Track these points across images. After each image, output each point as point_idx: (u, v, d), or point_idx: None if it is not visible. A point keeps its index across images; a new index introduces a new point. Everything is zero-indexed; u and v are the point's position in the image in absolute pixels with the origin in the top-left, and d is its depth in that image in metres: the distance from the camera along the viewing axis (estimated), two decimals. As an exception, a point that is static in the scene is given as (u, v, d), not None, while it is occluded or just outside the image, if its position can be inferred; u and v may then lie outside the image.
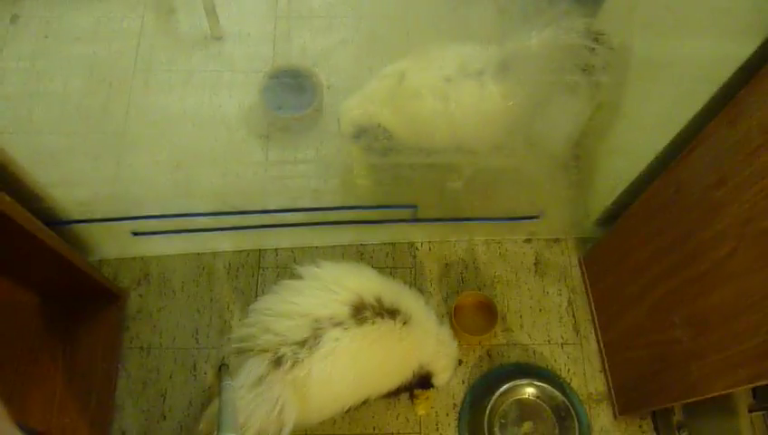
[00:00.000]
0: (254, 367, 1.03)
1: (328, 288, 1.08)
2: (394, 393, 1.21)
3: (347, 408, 1.13)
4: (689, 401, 1.06)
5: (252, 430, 1.02)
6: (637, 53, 1.14)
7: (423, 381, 1.24)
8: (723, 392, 0.97)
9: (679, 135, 1.08)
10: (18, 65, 1.66)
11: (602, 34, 1.19)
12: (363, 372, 1.09)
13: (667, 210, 1.09)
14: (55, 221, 1.27)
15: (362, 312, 1.07)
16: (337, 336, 1.03)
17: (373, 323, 1.07)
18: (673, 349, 1.10)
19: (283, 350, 1.02)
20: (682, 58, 1.04)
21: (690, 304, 1.04)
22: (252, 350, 1.06)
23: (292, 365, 1.01)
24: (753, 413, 1.06)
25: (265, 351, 1.04)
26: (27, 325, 1.35)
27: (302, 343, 1.02)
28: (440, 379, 1.25)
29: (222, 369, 1.35)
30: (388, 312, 1.09)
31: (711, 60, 0.96)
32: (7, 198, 1.00)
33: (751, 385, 0.90)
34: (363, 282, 1.12)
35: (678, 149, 1.07)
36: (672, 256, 1.09)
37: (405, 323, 1.11)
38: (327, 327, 1.04)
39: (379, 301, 1.09)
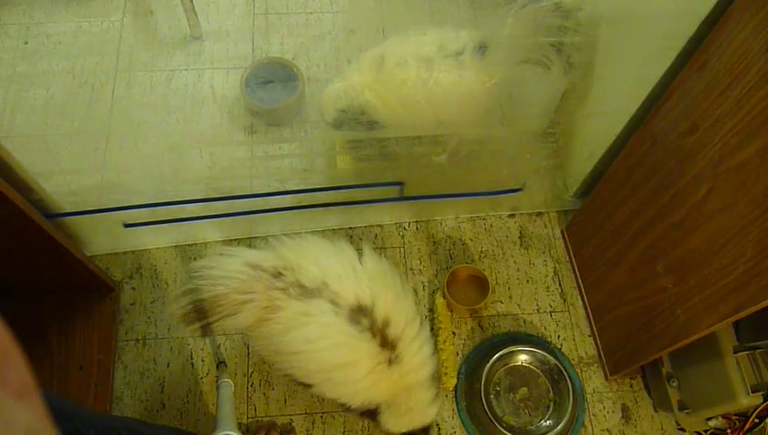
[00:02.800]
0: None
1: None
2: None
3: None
4: (678, 346, 1.10)
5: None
6: (606, 16, 1.20)
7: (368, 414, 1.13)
8: (709, 331, 1.02)
9: (652, 93, 1.14)
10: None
11: (571, 11, 1.26)
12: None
13: (644, 165, 1.15)
14: (46, 214, 1.27)
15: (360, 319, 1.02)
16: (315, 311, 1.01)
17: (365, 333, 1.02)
18: (658, 298, 1.15)
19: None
20: (650, 15, 1.10)
21: (672, 252, 1.09)
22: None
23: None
24: (738, 354, 1.11)
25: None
26: (21, 320, 1.35)
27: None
28: (391, 425, 1.12)
29: (219, 367, 1.37)
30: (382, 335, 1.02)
31: (678, 15, 1.02)
32: (7, 185, 1.01)
33: (734, 318, 0.94)
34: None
35: (650, 107, 1.13)
36: (651, 209, 1.14)
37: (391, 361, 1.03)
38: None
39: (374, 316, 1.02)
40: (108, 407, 1.33)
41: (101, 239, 1.44)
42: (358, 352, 1.01)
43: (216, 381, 1.35)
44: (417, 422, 1.14)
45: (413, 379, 1.08)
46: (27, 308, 1.36)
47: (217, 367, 1.38)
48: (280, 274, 1.02)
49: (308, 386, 1.11)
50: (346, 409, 1.12)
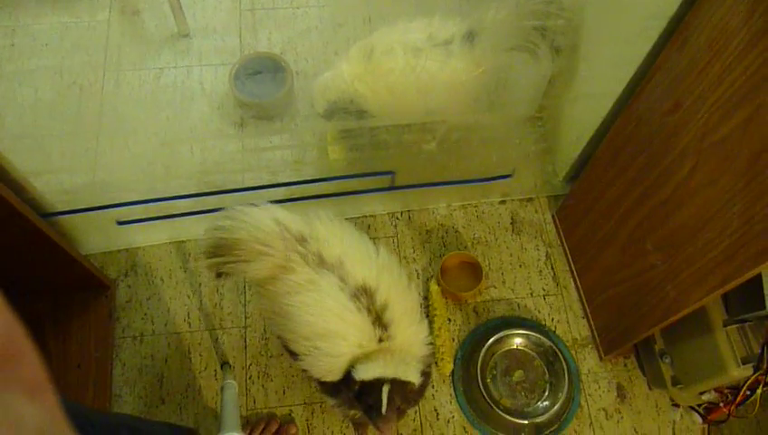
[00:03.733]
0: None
1: None
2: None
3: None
4: (669, 322, 1.12)
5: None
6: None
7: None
8: (698, 304, 1.04)
9: (636, 74, 1.16)
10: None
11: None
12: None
13: (630, 145, 1.16)
14: (39, 214, 1.28)
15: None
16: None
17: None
18: (649, 276, 1.16)
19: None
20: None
21: (660, 229, 1.10)
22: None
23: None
24: (728, 327, 1.13)
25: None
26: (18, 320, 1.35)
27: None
28: None
29: (224, 368, 1.37)
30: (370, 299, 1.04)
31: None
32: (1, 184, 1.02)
33: (722, 290, 0.96)
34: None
35: (635, 88, 1.15)
36: (638, 188, 1.15)
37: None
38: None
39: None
40: (107, 404, 1.34)
41: (95, 238, 1.45)
42: (349, 325, 1.03)
43: (223, 379, 1.36)
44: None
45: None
46: (23, 308, 1.35)
47: (222, 367, 1.38)
48: (304, 239, 1.06)
49: (295, 356, 1.11)
50: (335, 401, 1.12)
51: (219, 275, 1.12)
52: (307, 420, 1.36)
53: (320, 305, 1.03)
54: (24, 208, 1.09)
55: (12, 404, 0.26)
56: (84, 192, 1.34)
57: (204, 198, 1.39)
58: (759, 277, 1.03)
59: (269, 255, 1.04)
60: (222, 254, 1.07)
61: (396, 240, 1.54)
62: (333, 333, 1.03)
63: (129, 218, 1.40)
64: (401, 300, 1.08)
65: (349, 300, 1.03)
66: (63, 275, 1.32)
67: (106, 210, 1.35)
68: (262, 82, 1.64)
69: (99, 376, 1.35)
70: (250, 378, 1.39)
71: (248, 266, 1.06)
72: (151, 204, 1.37)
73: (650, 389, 1.39)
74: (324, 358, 1.05)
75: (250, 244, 1.04)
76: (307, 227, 1.08)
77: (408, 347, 1.06)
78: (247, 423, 1.34)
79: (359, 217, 1.55)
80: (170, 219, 1.42)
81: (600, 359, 1.42)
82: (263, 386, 1.39)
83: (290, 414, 1.36)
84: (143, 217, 1.40)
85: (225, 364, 1.38)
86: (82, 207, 1.33)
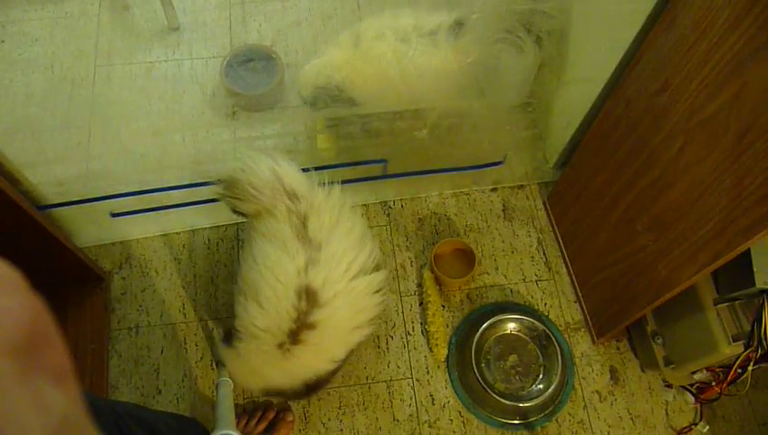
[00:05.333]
0: None
1: None
2: None
3: None
4: (660, 301, 1.14)
5: None
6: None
7: None
8: (689, 282, 1.05)
9: (625, 57, 1.17)
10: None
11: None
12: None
13: (619, 128, 1.18)
14: (33, 206, 1.28)
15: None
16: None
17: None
18: (639, 257, 1.18)
19: None
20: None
21: (650, 209, 1.12)
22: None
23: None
24: (718, 306, 1.15)
25: None
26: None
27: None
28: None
29: (219, 365, 1.37)
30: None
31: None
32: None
33: (713, 266, 0.97)
34: None
35: (624, 71, 1.16)
36: (628, 170, 1.17)
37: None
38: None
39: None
40: (104, 396, 1.34)
41: (89, 230, 1.45)
42: (274, 309, 1.05)
43: (219, 376, 1.36)
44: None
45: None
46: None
47: (216, 365, 1.38)
48: (296, 197, 1.10)
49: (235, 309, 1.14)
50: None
51: (234, 212, 1.19)
52: (304, 408, 1.36)
53: (268, 267, 1.06)
54: (19, 199, 1.09)
55: (41, 390, 0.26)
56: (77, 184, 1.34)
57: (197, 188, 1.39)
58: (748, 255, 1.05)
59: (257, 198, 1.11)
60: (225, 189, 1.16)
61: (389, 228, 1.55)
62: (258, 304, 1.07)
63: (123, 210, 1.40)
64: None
65: (294, 290, 1.04)
66: (58, 268, 1.32)
67: (100, 202, 1.35)
68: (253, 74, 1.65)
69: (95, 368, 1.35)
70: (246, 367, 1.39)
71: (241, 204, 1.14)
72: (145, 195, 1.37)
73: (643, 371, 1.41)
74: (263, 302, 1.08)
75: (242, 185, 1.11)
76: (305, 188, 1.13)
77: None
78: (244, 412, 1.35)
79: (351, 207, 1.55)
80: (164, 210, 1.43)
81: (593, 342, 1.44)
82: (259, 375, 1.39)
83: (286, 402, 1.37)
84: (137, 208, 1.41)
85: (219, 362, 1.38)
86: (76, 198, 1.33)
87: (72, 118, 1.60)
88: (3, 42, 1.72)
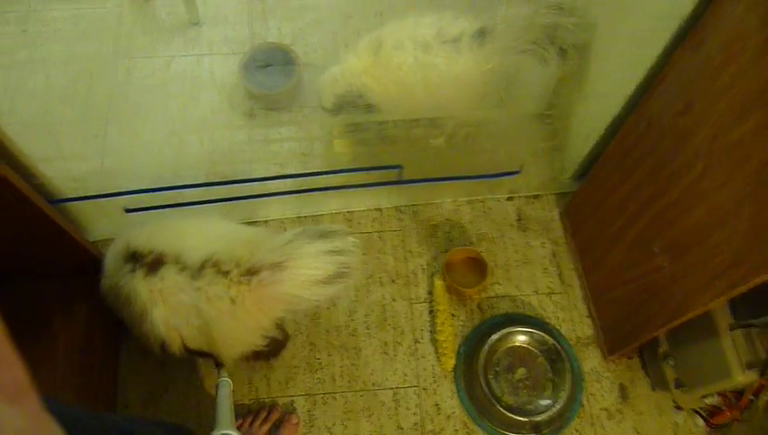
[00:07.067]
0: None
1: None
2: None
3: None
4: (674, 324, 1.12)
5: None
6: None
7: None
8: (704, 308, 1.03)
9: (648, 74, 1.14)
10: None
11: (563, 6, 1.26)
12: None
13: (640, 146, 1.15)
14: (48, 199, 1.28)
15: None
16: None
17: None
18: (655, 278, 1.16)
19: None
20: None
21: (668, 231, 1.10)
22: None
23: None
24: (734, 331, 1.12)
25: None
26: (25, 304, 1.36)
27: None
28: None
29: (218, 365, 1.37)
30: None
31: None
32: (9, 169, 1.02)
33: (729, 295, 0.95)
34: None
35: (647, 87, 1.14)
36: (647, 189, 1.15)
37: None
38: None
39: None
40: (112, 390, 1.35)
41: (103, 225, 1.46)
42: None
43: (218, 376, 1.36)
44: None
45: None
46: (31, 293, 1.38)
47: (216, 365, 1.38)
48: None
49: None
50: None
51: None
52: (309, 411, 1.36)
53: None
54: (32, 194, 1.09)
55: None
56: (93, 179, 1.35)
57: (211, 187, 1.39)
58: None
59: None
60: None
61: (401, 234, 1.54)
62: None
63: (137, 206, 1.40)
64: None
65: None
66: (71, 261, 1.33)
67: (114, 198, 1.36)
68: (271, 72, 1.64)
69: (104, 362, 1.36)
70: (253, 368, 1.39)
71: None
72: (159, 192, 1.37)
73: (653, 390, 1.39)
74: None
75: None
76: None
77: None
78: (249, 412, 1.35)
79: (364, 211, 1.55)
80: (178, 208, 1.43)
81: (604, 358, 1.42)
82: (265, 376, 1.39)
83: (292, 404, 1.37)
84: (151, 205, 1.41)
85: (219, 362, 1.38)
86: (91, 194, 1.33)
87: (90, 110, 1.61)
88: (25, 31, 1.72)
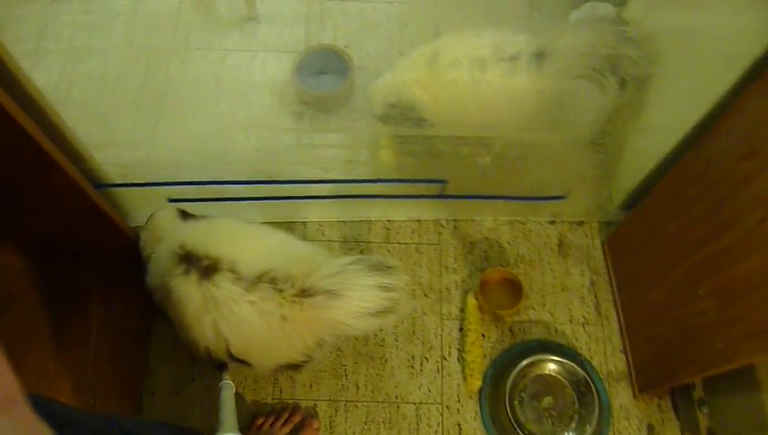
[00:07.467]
0: None
1: None
2: None
3: None
4: (712, 373, 1.08)
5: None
6: (669, 31, 1.17)
7: None
8: (747, 362, 1.00)
9: (710, 113, 1.11)
10: (59, 43, 1.72)
11: (626, 26, 1.22)
12: None
13: (696, 185, 1.12)
14: (95, 184, 1.31)
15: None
16: None
17: None
18: (697, 322, 1.12)
19: None
20: (715, 33, 1.07)
21: (716, 276, 1.06)
22: None
23: None
24: (776, 387, 1.08)
25: None
26: (65, 283, 1.39)
27: None
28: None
29: (221, 368, 1.37)
30: None
31: (746, 35, 0.99)
32: (62, 155, 1.05)
33: (776, 351, 0.92)
34: None
35: (707, 126, 1.10)
36: (699, 230, 1.11)
37: None
38: None
39: None
40: (140, 375, 1.37)
41: (146, 212, 1.46)
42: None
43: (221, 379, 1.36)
44: None
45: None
46: (71, 272, 1.40)
47: (218, 368, 1.39)
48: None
49: None
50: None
51: None
52: (330, 417, 1.36)
53: None
54: (81, 180, 1.12)
55: None
56: (140, 167, 1.37)
57: (255, 185, 1.40)
58: (817, 341, 0.98)
59: None
60: None
61: (438, 248, 1.52)
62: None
63: (181, 197, 1.42)
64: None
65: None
66: (113, 245, 1.36)
67: (159, 187, 1.37)
68: (323, 74, 1.65)
69: (135, 348, 1.38)
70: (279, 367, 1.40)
71: None
72: (203, 186, 1.39)
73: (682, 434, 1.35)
74: None
75: None
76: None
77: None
78: (272, 411, 1.36)
79: (404, 221, 1.54)
80: (220, 202, 1.44)
81: (634, 396, 1.38)
82: (291, 377, 1.40)
83: (314, 408, 1.37)
84: (194, 197, 1.42)
85: (221, 365, 1.38)
86: (137, 181, 1.35)
87: (143, 96, 1.63)
88: (88, 13, 1.76)
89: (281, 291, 1.03)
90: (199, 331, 1.08)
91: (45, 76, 1.64)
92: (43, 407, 0.72)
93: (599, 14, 1.39)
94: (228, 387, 1.30)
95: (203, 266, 1.06)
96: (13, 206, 1.18)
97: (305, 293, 1.02)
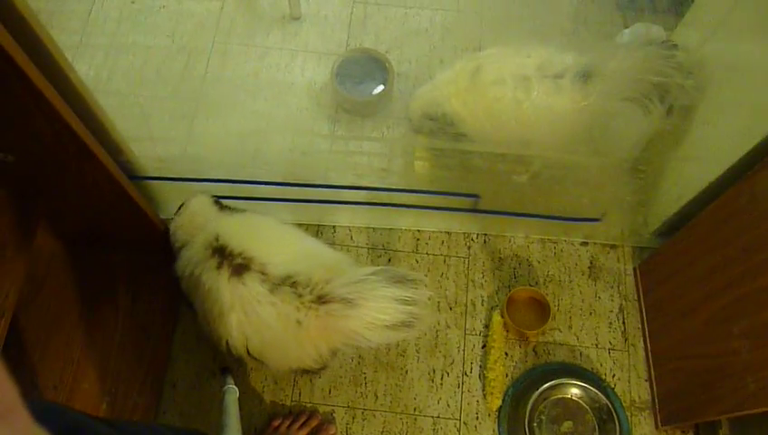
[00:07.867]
0: None
1: None
2: None
3: None
4: (741, 414, 1.05)
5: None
6: (723, 62, 1.14)
7: None
8: (780, 407, 0.97)
9: (757, 147, 1.08)
10: (104, 29, 1.74)
11: (677, 51, 1.19)
12: None
13: (737, 220, 1.09)
14: (131, 175, 1.32)
15: None
16: None
17: None
18: (728, 360, 1.09)
19: None
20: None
21: (753, 316, 1.03)
22: None
23: None
24: (808, 433, 1.05)
25: None
26: (94, 271, 1.41)
27: None
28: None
29: (224, 372, 1.38)
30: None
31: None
32: (101, 147, 1.06)
33: (812, 400, 0.89)
34: None
35: (754, 161, 1.07)
36: (738, 266, 1.08)
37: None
38: None
39: None
40: (162, 367, 1.38)
41: (177, 205, 1.49)
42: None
43: (224, 384, 1.37)
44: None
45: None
46: (101, 261, 1.43)
47: (222, 372, 1.39)
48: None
49: None
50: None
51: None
52: (347, 425, 1.36)
53: None
54: (116, 172, 1.13)
55: None
56: (175, 162, 1.38)
57: (286, 187, 1.40)
58: None
59: None
60: None
61: (467, 262, 1.51)
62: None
63: (213, 194, 1.42)
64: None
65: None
66: (144, 237, 1.37)
67: (192, 183, 1.38)
68: (363, 78, 1.64)
69: (159, 340, 1.39)
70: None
71: None
72: (237, 184, 1.39)
73: (705, 471, 1.32)
74: None
75: None
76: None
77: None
78: (290, 413, 1.36)
79: (434, 232, 1.53)
80: (251, 201, 1.44)
81: (656, 427, 1.35)
82: (310, 380, 1.40)
83: (332, 414, 1.37)
84: (226, 194, 1.43)
85: (225, 369, 1.39)
86: (171, 175, 1.37)
87: (182, 89, 1.65)
88: (133, 2, 1.78)
89: (300, 296, 1.03)
90: (224, 326, 1.09)
91: (87, 66, 1.66)
92: (56, 413, 0.74)
93: (651, 37, 1.37)
94: (232, 392, 1.30)
95: (236, 264, 1.06)
96: (51, 191, 1.20)
97: (322, 299, 1.02)
